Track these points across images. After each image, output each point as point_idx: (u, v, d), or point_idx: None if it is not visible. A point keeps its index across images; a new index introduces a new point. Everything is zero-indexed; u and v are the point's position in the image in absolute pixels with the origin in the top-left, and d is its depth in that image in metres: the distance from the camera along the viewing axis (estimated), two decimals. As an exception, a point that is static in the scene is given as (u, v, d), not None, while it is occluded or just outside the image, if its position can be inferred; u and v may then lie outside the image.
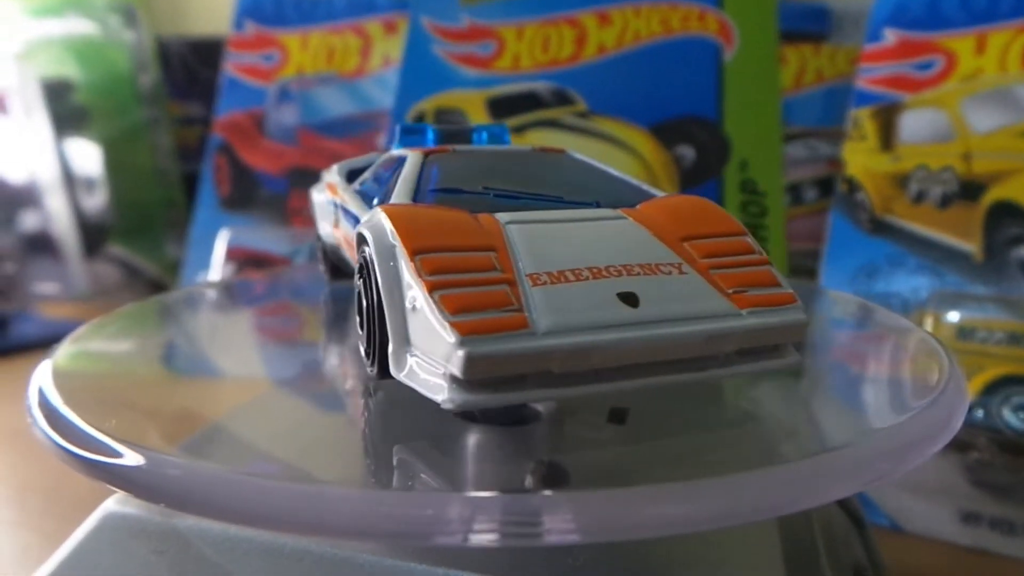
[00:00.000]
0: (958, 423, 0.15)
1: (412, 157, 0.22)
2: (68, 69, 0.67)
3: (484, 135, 0.25)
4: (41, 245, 0.68)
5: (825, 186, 0.53)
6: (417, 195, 0.19)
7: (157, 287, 0.71)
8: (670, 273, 0.16)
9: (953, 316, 0.34)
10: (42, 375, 0.18)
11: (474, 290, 0.15)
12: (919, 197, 0.39)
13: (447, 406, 0.14)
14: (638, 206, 0.19)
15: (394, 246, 0.16)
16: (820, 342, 0.26)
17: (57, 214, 0.66)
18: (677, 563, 0.18)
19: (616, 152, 0.46)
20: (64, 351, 0.20)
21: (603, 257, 0.16)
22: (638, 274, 0.15)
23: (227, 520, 0.13)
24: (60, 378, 0.18)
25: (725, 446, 0.17)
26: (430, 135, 0.25)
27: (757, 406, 0.21)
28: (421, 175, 0.21)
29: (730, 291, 0.16)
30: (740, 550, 0.19)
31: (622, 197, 0.19)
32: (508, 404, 0.14)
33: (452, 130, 0.25)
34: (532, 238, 0.16)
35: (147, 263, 0.70)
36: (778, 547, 0.19)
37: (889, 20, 0.43)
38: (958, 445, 0.32)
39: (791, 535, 0.20)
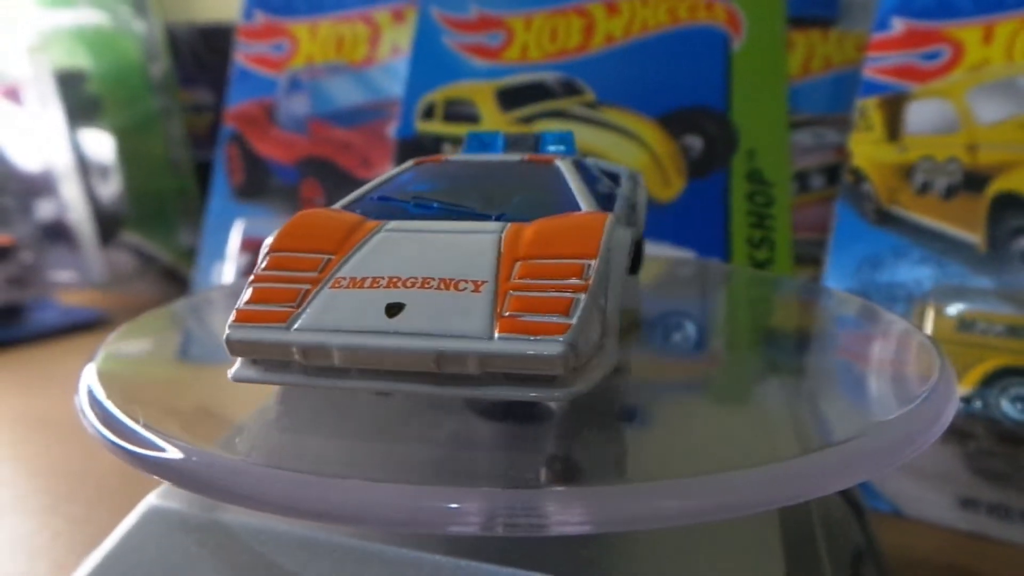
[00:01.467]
0: (947, 421, 0.16)
1: (405, 166, 0.24)
2: (80, 59, 0.68)
3: (550, 142, 0.26)
4: (57, 234, 0.69)
5: (832, 174, 0.54)
6: (358, 201, 0.22)
7: (171, 274, 0.72)
8: (462, 290, 0.16)
9: (954, 308, 0.34)
10: (89, 376, 0.19)
11: (275, 286, 0.17)
12: (924, 188, 0.40)
13: (229, 376, 0.17)
14: (532, 222, 0.19)
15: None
16: (820, 339, 0.27)
17: (73, 203, 0.67)
18: (675, 547, 0.18)
19: (624, 142, 0.47)
20: (104, 352, 0.21)
21: (418, 268, 0.17)
22: (428, 287, 0.16)
23: (261, 509, 0.14)
24: (105, 378, 0.19)
25: (724, 441, 0.18)
26: (498, 142, 0.26)
27: (758, 400, 0.21)
28: (391, 181, 0.23)
29: (506, 314, 0.16)
30: (739, 535, 0.20)
31: (544, 213, 0.19)
32: (270, 383, 0.17)
33: (519, 137, 0.26)
34: (386, 246, 0.18)
35: (161, 251, 0.71)
36: (777, 531, 0.20)
37: (897, 8, 0.44)
38: (958, 434, 0.33)
39: (790, 520, 0.21)
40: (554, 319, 0.15)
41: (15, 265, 0.62)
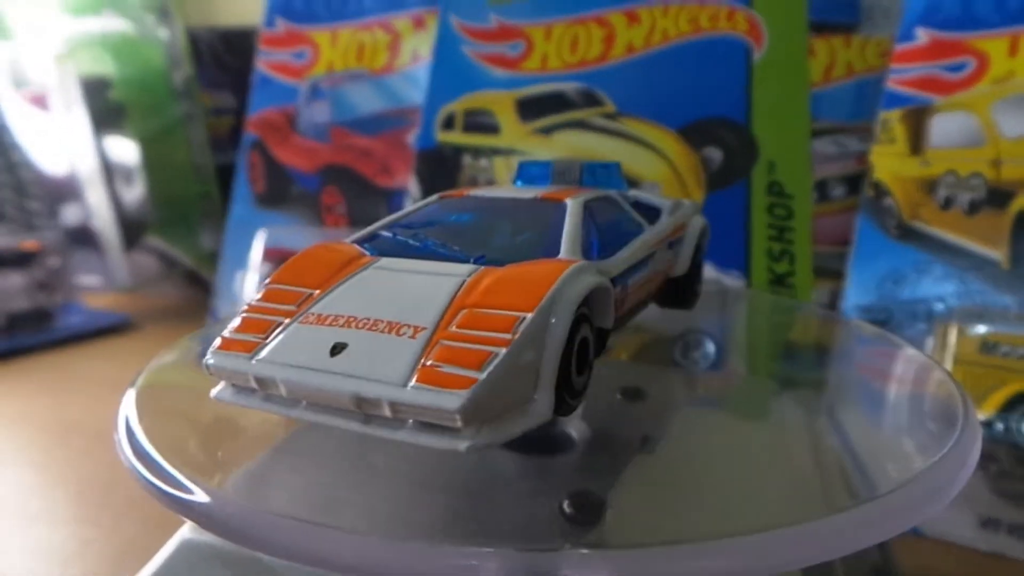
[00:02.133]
0: (970, 471, 0.16)
1: (430, 200, 0.25)
2: (105, 67, 0.69)
3: (592, 172, 0.27)
4: (83, 238, 0.70)
5: (853, 183, 0.54)
6: (376, 232, 0.23)
7: (193, 278, 0.73)
8: (402, 335, 0.17)
9: (978, 329, 0.34)
10: (127, 405, 0.20)
11: (258, 317, 0.19)
12: (947, 203, 0.40)
13: (211, 395, 0.19)
14: (502, 268, 0.19)
15: None
16: (840, 378, 0.27)
17: (97, 208, 0.69)
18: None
19: (643, 154, 0.47)
20: (143, 379, 0.22)
21: (374, 309, 0.18)
22: (374, 329, 0.17)
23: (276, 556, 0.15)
24: (141, 405, 0.20)
25: (751, 490, 0.18)
26: (547, 172, 0.27)
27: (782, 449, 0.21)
28: (414, 213, 0.24)
29: (428, 363, 0.16)
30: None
31: (522, 257, 0.20)
32: (241, 406, 0.18)
33: (565, 166, 0.27)
34: (361, 284, 0.19)
35: (183, 255, 0.72)
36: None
37: (921, 19, 0.43)
38: (980, 456, 0.33)
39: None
40: (465, 372, 0.16)
41: (42, 270, 0.63)
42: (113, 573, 0.34)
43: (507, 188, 0.25)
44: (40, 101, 0.69)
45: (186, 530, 0.19)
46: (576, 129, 0.48)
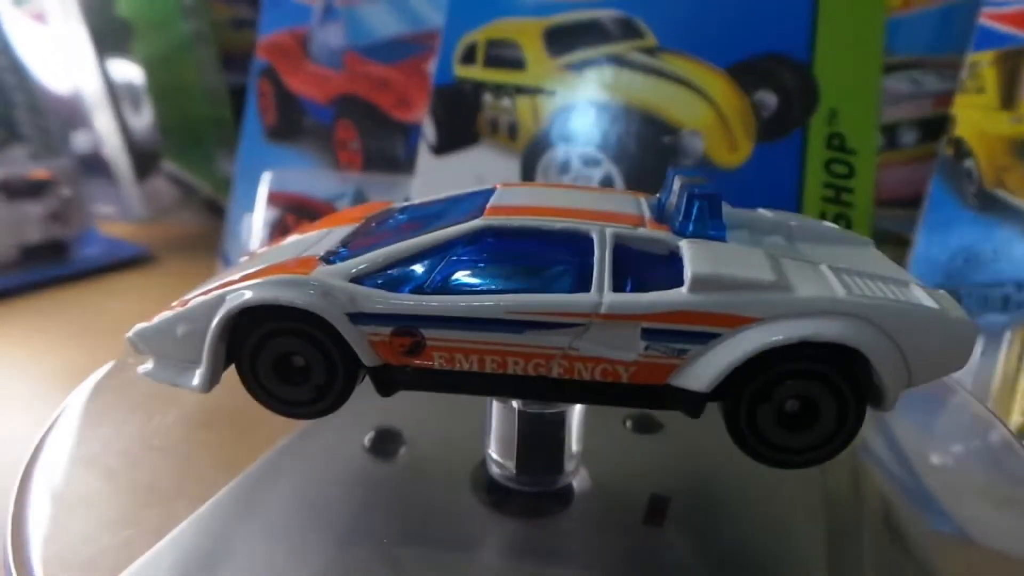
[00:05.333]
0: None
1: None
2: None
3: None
4: (95, 167, 0.67)
5: (928, 128, 0.47)
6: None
7: (211, 206, 0.71)
8: None
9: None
10: None
11: None
12: (1040, 170, 0.34)
13: None
14: None
15: None
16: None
17: (107, 135, 0.66)
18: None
19: (686, 96, 0.41)
20: None
21: None
22: None
23: None
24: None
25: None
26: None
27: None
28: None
29: None
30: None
31: None
32: None
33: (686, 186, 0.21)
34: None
35: (200, 181, 0.70)
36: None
37: (1029, -62, 0.36)
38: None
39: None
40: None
41: (55, 199, 0.61)
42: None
43: None
44: (42, 18, 0.65)
45: None
46: (612, 66, 0.43)
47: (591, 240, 0.18)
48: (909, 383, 0.17)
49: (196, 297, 0.19)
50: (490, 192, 0.22)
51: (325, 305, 0.18)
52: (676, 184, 0.20)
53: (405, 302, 0.18)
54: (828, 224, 0.23)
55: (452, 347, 0.18)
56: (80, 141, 0.67)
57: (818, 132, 0.40)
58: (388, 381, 0.19)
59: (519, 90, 0.44)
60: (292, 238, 0.23)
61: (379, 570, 0.19)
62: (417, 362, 0.18)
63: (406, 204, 0.24)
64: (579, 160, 0.43)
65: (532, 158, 0.43)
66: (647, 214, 0.20)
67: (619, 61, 0.43)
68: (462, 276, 0.18)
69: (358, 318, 0.18)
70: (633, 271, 0.18)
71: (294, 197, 0.50)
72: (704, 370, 0.17)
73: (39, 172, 0.61)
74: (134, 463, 0.26)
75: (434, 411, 0.24)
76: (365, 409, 0.25)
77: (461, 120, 0.45)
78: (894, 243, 0.40)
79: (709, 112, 0.41)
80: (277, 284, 0.18)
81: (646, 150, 0.42)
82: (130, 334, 0.20)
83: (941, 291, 0.19)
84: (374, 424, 0.25)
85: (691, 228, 0.19)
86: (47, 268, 0.60)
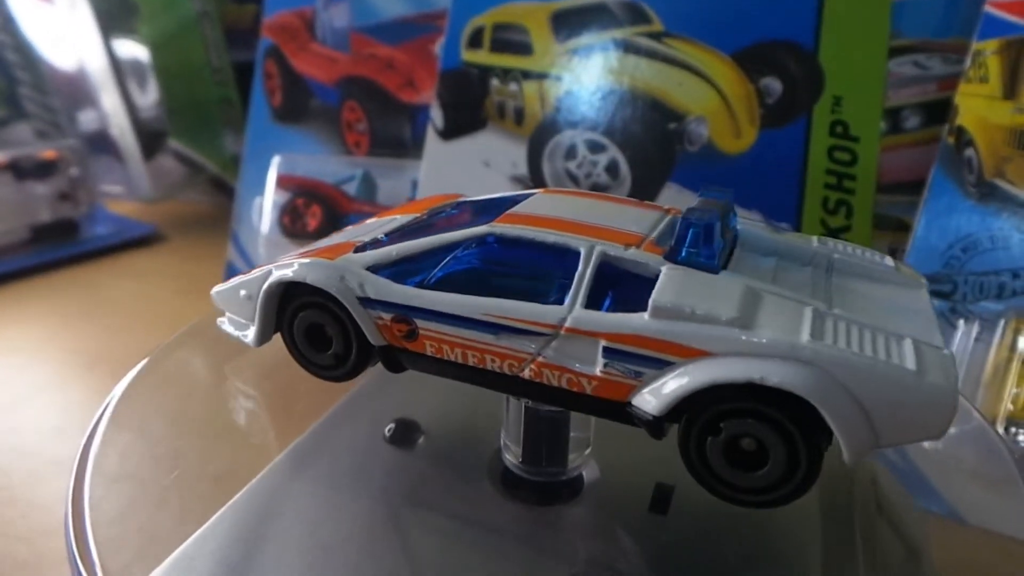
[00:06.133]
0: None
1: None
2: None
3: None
4: (101, 146, 0.68)
5: (932, 112, 0.47)
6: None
7: (219, 184, 0.71)
8: None
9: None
10: None
11: None
12: (1040, 160, 0.34)
13: None
14: None
15: None
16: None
17: (114, 114, 0.66)
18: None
19: (691, 82, 0.42)
20: None
21: None
22: None
23: None
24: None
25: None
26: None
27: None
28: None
29: None
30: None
31: None
32: None
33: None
34: None
35: (207, 160, 0.70)
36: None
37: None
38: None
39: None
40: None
41: (64, 179, 0.62)
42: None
43: None
44: (47, -3, 0.64)
45: None
46: (617, 50, 0.43)
47: (579, 255, 0.19)
48: (877, 443, 0.16)
49: (264, 265, 0.23)
50: (524, 197, 0.23)
51: (341, 287, 0.21)
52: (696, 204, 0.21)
53: (402, 293, 0.20)
54: (884, 260, 0.22)
55: (440, 338, 0.20)
56: (87, 120, 0.67)
57: (822, 119, 0.40)
58: (393, 360, 0.22)
59: (526, 75, 0.45)
60: (370, 220, 0.26)
61: (398, 555, 0.20)
62: (412, 347, 0.21)
63: (460, 200, 0.26)
64: (585, 145, 0.43)
65: (538, 143, 0.44)
66: (653, 235, 0.20)
67: (625, 46, 0.43)
68: (459, 276, 0.20)
69: (366, 302, 0.21)
70: (615, 290, 0.19)
71: (303, 180, 0.51)
72: (656, 395, 0.18)
73: (47, 152, 0.61)
74: (191, 441, 0.28)
75: (451, 404, 0.26)
76: (385, 402, 0.27)
77: (468, 105, 0.46)
78: (895, 230, 0.41)
79: (714, 97, 0.42)
80: (310, 266, 0.21)
81: (651, 136, 0.42)
82: (213, 291, 0.24)
83: (946, 352, 0.17)
84: (393, 416, 0.26)
85: (683, 254, 0.19)
86: (58, 248, 0.61)
